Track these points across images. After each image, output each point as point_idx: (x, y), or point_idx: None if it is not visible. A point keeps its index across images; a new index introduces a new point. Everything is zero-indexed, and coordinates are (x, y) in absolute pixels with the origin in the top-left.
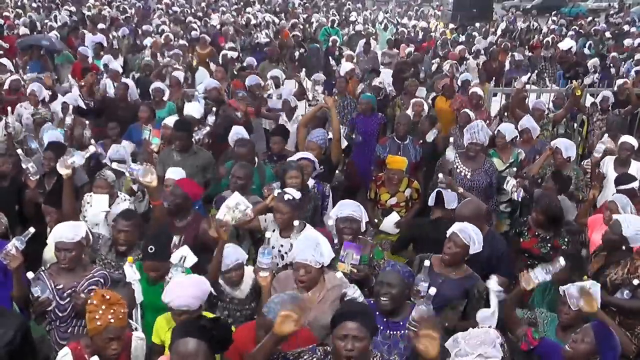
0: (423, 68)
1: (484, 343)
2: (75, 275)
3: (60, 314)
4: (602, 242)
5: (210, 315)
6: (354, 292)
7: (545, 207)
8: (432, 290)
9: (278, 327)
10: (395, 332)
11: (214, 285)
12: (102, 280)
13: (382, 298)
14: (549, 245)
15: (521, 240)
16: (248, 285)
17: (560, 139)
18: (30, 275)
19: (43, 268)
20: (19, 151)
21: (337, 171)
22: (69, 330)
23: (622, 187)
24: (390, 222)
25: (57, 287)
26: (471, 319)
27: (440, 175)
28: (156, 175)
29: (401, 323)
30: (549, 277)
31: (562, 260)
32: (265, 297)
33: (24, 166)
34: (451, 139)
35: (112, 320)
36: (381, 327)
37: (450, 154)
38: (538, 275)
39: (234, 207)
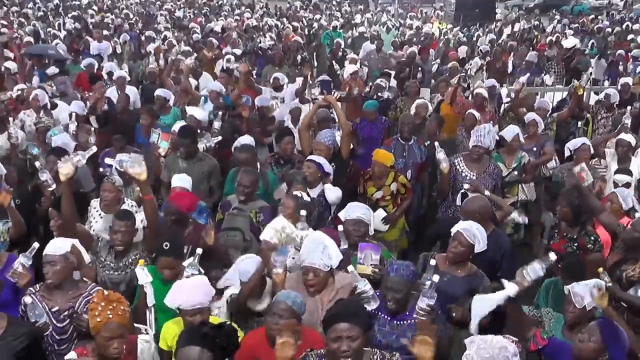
0: (421, 68)
1: (493, 359)
2: (69, 296)
3: (58, 338)
4: (624, 243)
5: (217, 319)
6: (364, 286)
7: (569, 198)
8: (436, 278)
9: (279, 353)
10: (402, 322)
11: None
12: None
13: (388, 302)
14: (575, 245)
15: (551, 242)
16: (268, 294)
17: (581, 138)
18: (28, 300)
19: (33, 290)
20: (37, 164)
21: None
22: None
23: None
24: (377, 219)
25: (53, 310)
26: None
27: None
28: (145, 168)
29: (407, 313)
30: (541, 273)
31: (552, 255)
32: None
33: (42, 178)
34: (436, 143)
35: (110, 316)
36: (388, 318)
37: (440, 155)
38: (530, 273)
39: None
